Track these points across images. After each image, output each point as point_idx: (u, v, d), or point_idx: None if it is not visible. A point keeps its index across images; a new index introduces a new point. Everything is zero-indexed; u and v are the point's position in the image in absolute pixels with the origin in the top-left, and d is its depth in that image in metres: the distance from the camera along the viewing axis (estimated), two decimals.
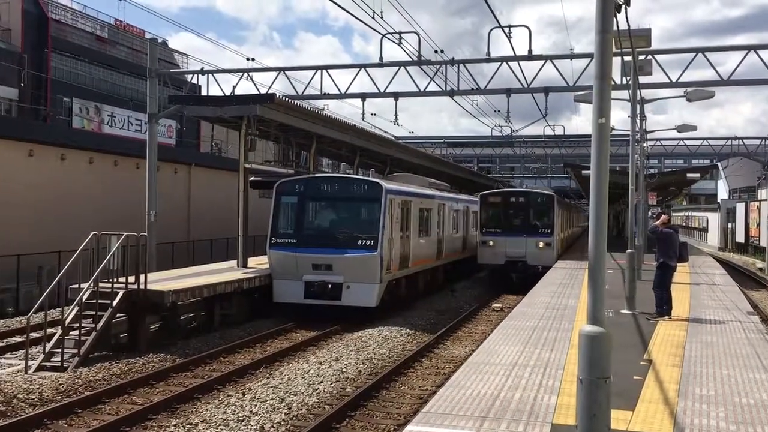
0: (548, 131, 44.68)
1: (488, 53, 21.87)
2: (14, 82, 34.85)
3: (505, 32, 19.82)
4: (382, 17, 18.39)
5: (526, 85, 22.45)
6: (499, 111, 35.12)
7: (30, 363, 12.60)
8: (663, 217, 13.83)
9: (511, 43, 20.29)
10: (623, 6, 6.82)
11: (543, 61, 21.98)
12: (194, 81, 40.59)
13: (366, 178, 20.46)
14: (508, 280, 25.52)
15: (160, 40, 43.23)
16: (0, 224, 23.23)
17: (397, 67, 22.67)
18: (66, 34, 38.47)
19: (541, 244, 25.68)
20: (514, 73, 22.14)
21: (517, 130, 42.16)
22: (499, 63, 22.30)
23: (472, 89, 23.82)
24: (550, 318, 13.03)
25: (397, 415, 10.23)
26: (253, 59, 24.89)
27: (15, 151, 24.21)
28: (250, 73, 24.02)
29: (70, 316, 13.46)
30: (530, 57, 21.74)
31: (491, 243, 26.04)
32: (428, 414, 7.08)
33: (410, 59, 21.87)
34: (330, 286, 17.82)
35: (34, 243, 23.13)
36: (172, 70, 30.13)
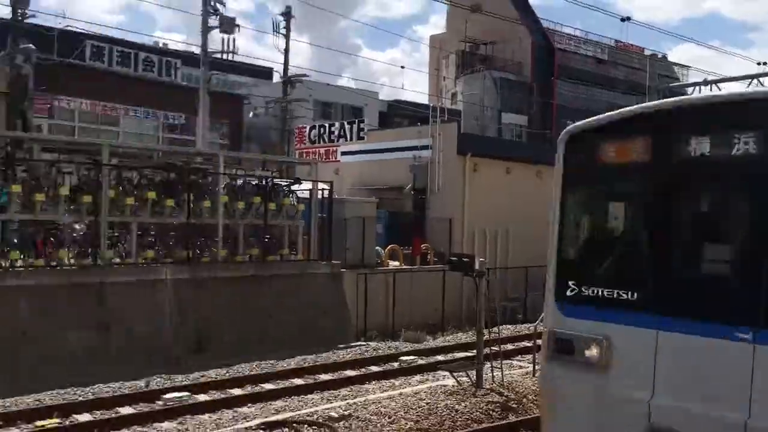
0: None
1: None
2: (524, 109, 38.69)
3: None
4: None
5: None
6: None
7: (537, 367, 13.77)
8: None
9: None
10: None
11: None
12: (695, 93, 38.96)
13: None
14: None
15: (659, 55, 42.80)
16: (513, 238, 26.04)
17: None
18: (569, 60, 41.01)
19: None
20: None
21: None
22: None
23: None
24: None
25: None
26: (765, 63, 22.73)
27: (526, 171, 26.94)
28: (761, 79, 21.92)
29: None
30: None
31: (594, 354, 4.76)
32: None
33: None
34: None
35: (539, 256, 25.17)
36: (671, 84, 29.44)
